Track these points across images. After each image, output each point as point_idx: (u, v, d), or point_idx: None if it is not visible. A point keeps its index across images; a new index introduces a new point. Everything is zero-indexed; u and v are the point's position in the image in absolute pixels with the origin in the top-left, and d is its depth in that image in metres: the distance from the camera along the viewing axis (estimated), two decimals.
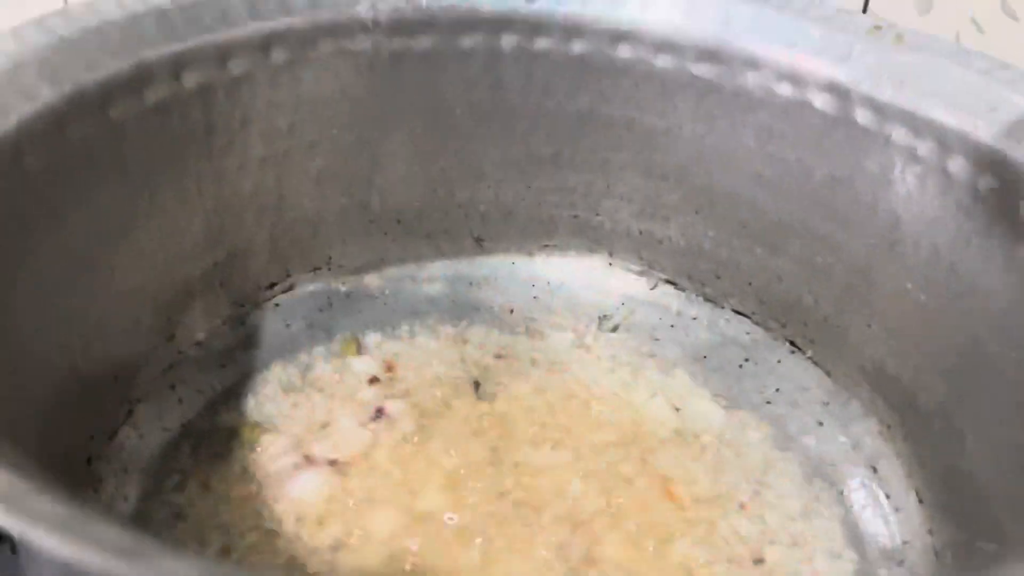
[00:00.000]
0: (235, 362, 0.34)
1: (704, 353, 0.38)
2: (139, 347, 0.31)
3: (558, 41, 0.35)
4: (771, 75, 0.33)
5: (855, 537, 0.31)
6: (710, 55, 0.34)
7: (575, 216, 0.40)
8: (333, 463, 0.31)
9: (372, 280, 0.39)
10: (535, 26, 0.35)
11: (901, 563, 0.30)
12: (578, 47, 0.35)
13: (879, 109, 0.31)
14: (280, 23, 0.31)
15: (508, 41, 0.35)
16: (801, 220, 0.35)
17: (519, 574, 0.29)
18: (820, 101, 0.33)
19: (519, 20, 0.35)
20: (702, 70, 0.34)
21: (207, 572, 0.12)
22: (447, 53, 0.35)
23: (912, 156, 0.31)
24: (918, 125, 0.30)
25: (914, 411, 0.32)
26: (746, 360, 0.38)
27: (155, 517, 0.29)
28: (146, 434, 0.31)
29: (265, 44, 0.31)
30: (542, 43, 0.35)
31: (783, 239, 0.36)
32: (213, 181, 0.32)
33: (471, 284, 0.40)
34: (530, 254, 0.40)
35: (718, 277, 0.38)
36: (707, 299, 0.39)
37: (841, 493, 0.33)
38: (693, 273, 0.39)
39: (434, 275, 0.39)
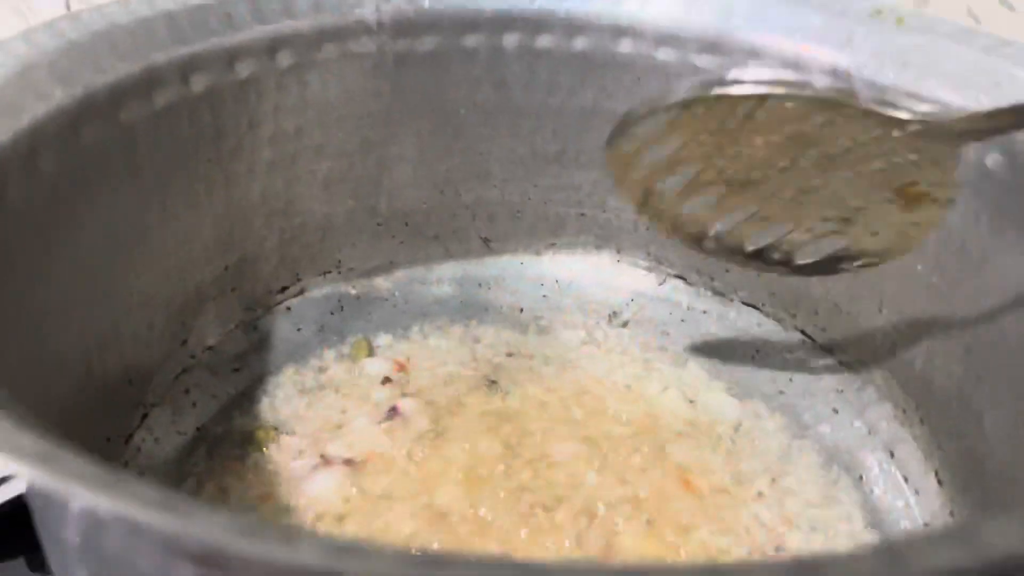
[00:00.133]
0: (248, 366, 0.35)
1: (715, 346, 0.38)
2: (153, 352, 0.31)
3: (560, 38, 0.35)
4: (774, 64, 0.33)
5: (875, 521, 0.31)
6: (712, 47, 0.34)
7: (582, 214, 0.40)
8: (349, 463, 0.31)
9: (382, 283, 0.39)
10: (537, 24, 0.35)
11: None
12: (580, 43, 0.35)
13: (883, 92, 0.31)
14: (285, 26, 0.32)
15: (511, 39, 0.35)
16: None
17: None
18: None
19: (521, 18, 0.35)
20: (704, 62, 0.35)
21: (239, 524, 0.12)
22: (451, 53, 0.35)
23: None
24: (922, 105, 0.30)
25: (930, 394, 0.32)
26: (757, 351, 0.38)
27: None
28: (161, 438, 0.31)
29: (271, 48, 0.31)
30: (544, 40, 0.35)
31: None
32: (223, 186, 0.32)
33: (480, 285, 0.40)
34: (538, 253, 0.40)
35: (726, 270, 0.38)
36: (716, 293, 0.39)
37: (860, 478, 0.33)
38: (701, 267, 0.39)
39: (443, 276, 0.40)
